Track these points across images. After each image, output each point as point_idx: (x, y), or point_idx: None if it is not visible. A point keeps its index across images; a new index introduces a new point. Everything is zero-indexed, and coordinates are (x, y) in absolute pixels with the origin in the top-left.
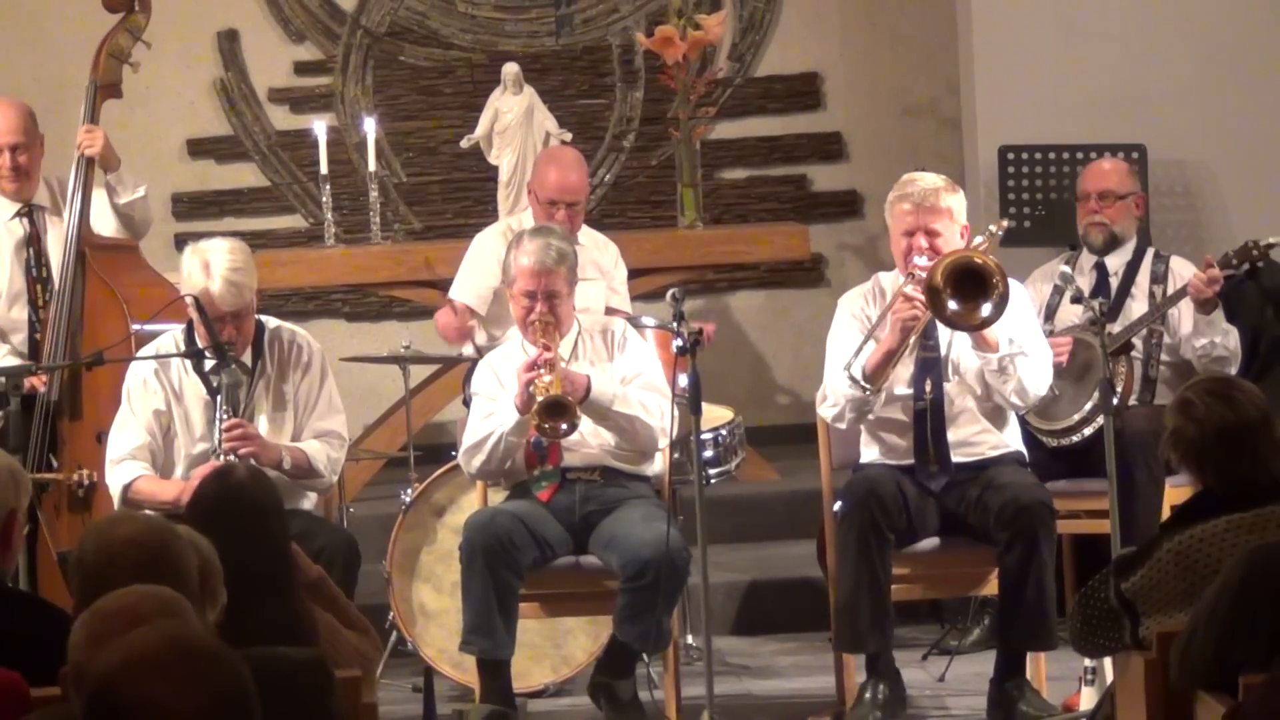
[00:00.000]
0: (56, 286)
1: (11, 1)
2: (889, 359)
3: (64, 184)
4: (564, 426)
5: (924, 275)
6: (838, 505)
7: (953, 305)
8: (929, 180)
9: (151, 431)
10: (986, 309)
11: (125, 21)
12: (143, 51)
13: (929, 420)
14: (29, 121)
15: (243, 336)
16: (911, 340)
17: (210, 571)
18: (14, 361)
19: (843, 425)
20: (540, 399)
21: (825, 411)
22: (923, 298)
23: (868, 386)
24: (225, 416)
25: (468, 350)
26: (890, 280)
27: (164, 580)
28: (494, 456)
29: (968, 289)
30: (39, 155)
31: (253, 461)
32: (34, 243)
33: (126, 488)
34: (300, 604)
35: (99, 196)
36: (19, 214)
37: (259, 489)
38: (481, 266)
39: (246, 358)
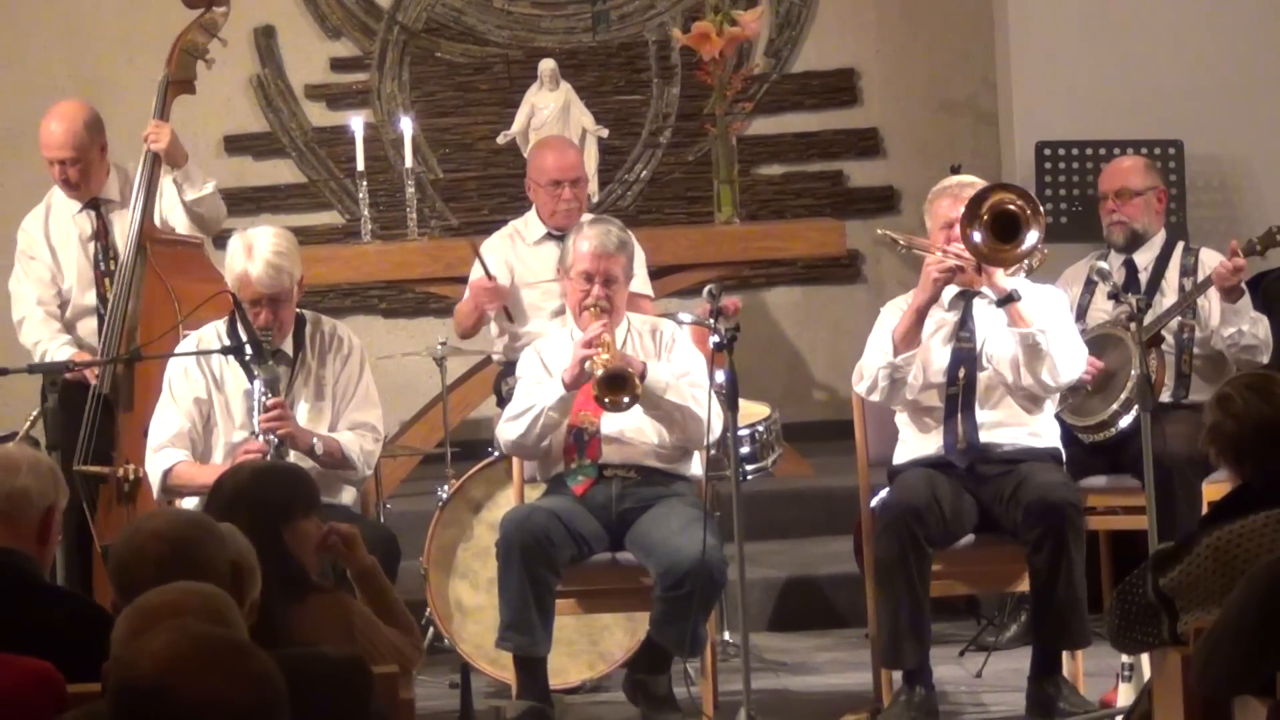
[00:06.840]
0: (118, 279)
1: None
2: (920, 316)
3: (132, 177)
4: (625, 400)
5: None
6: (874, 501)
7: (978, 237)
8: (969, 178)
9: (192, 419)
10: (1032, 237)
11: (202, 18)
12: (217, 48)
13: (960, 400)
14: (81, 135)
15: (281, 324)
16: (943, 296)
17: (244, 569)
18: (70, 350)
19: (877, 398)
20: (601, 371)
21: (860, 388)
22: (956, 261)
23: (900, 351)
24: (267, 397)
25: (497, 354)
26: None
27: (186, 575)
28: (532, 431)
29: (1003, 232)
30: (96, 161)
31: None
32: (101, 236)
33: (166, 473)
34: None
35: (170, 191)
36: (86, 207)
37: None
38: (492, 271)
39: (287, 347)
